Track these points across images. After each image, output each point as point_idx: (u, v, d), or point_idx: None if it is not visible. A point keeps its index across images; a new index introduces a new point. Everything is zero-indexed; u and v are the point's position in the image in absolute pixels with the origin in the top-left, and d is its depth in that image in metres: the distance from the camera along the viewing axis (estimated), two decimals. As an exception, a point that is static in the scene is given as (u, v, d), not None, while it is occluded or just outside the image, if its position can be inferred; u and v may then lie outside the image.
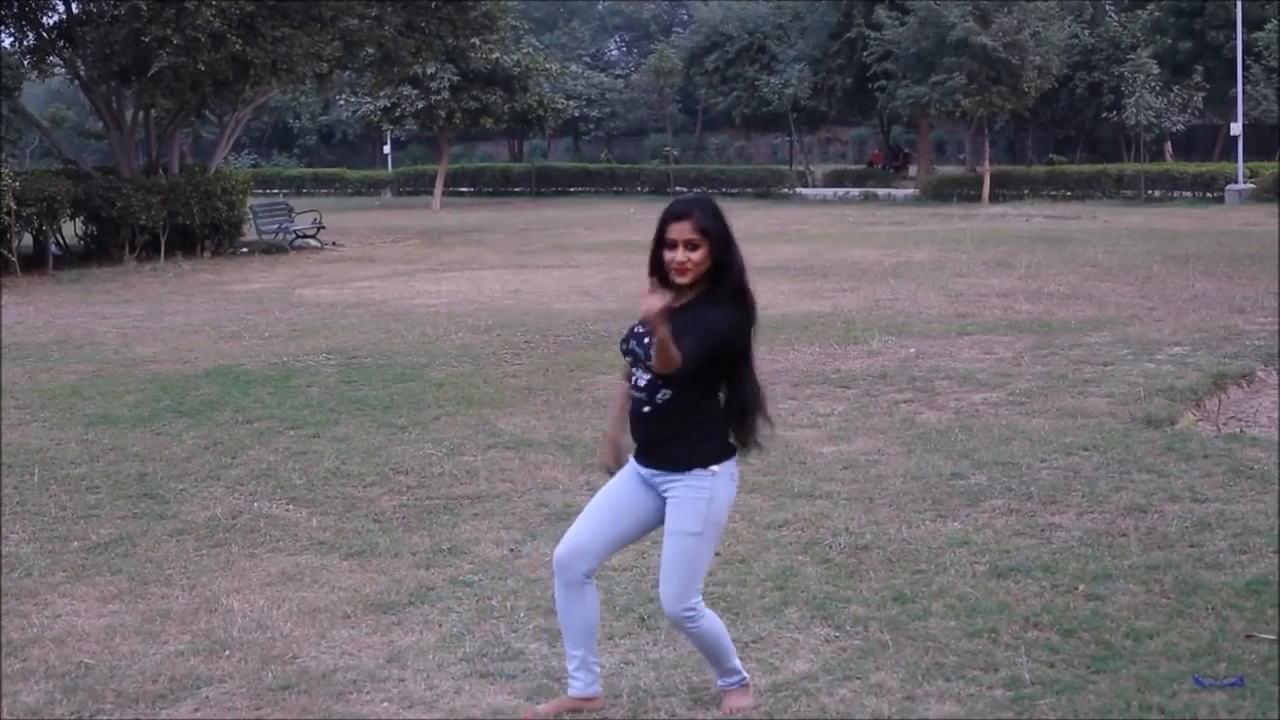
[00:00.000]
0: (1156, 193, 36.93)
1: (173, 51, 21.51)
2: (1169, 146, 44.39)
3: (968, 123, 42.21)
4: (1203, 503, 6.37)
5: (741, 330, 3.95)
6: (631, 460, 4.14)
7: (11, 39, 26.40)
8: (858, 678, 4.43)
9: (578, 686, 4.20)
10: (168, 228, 23.66)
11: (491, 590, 5.40)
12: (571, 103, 48.80)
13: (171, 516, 6.67)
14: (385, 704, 4.37)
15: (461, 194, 49.76)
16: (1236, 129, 37.19)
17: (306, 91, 40.04)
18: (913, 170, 49.83)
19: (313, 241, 26.26)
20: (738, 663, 4.26)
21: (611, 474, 4.20)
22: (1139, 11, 47.16)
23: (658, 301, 3.66)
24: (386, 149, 56.39)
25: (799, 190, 44.27)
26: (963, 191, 39.26)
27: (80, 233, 24.30)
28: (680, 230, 3.90)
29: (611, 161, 54.82)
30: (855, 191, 42.45)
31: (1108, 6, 50.37)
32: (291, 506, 6.82)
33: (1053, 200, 37.20)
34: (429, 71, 37.72)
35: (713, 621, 4.14)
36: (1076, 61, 45.20)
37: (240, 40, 22.17)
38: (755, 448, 4.14)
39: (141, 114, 25.61)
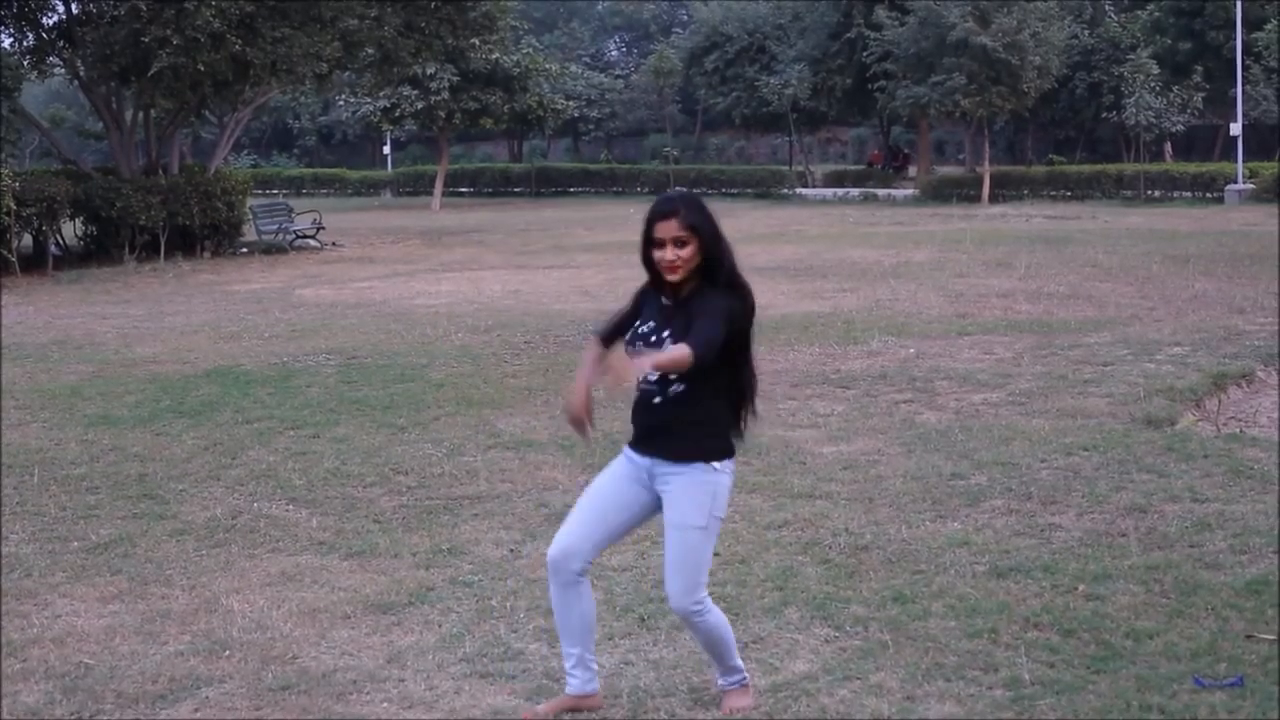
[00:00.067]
0: (1156, 193, 36.94)
1: (172, 52, 21.52)
2: (1169, 147, 44.40)
3: (967, 123, 42.23)
4: (1203, 503, 6.37)
5: (745, 313, 3.98)
6: (624, 454, 4.14)
7: (11, 39, 26.42)
8: (858, 678, 4.43)
9: (575, 684, 4.20)
10: (167, 228, 23.66)
11: (491, 590, 5.41)
12: (571, 103, 48.83)
13: (171, 517, 6.67)
14: (385, 704, 4.37)
15: (461, 194, 49.78)
16: (1236, 129, 37.21)
17: (306, 92, 40.08)
18: (912, 170, 49.86)
19: (312, 242, 26.26)
20: (739, 661, 4.27)
21: (578, 427, 4.09)
22: (1139, 12, 47.20)
23: (629, 369, 3.77)
24: (386, 149, 56.43)
25: (799, 191, 44.29)
26: (962, 192, 39.28)
27: (80, 233, 24.30)
28: (667, 229, 3.92)
29: (611, 162, 54.85)
30: (855, 192, 42.46)
31: (1108, 6, 50.42)
32: (291, 507, 6.82)
33: (1052, 200, 37.21)
34: (429, 72, 37.72)
35: (719, 616, 4.15)
36: (1076, 62, 45.23)
37: (240, 40, 22.18)
38: (745, 433, 4.15)
39: (141, 114, 25.61)
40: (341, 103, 46.28)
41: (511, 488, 7.06)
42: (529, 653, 4.76)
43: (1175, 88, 39.27)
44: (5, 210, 20.14)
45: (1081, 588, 5.21)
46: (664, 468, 4.02)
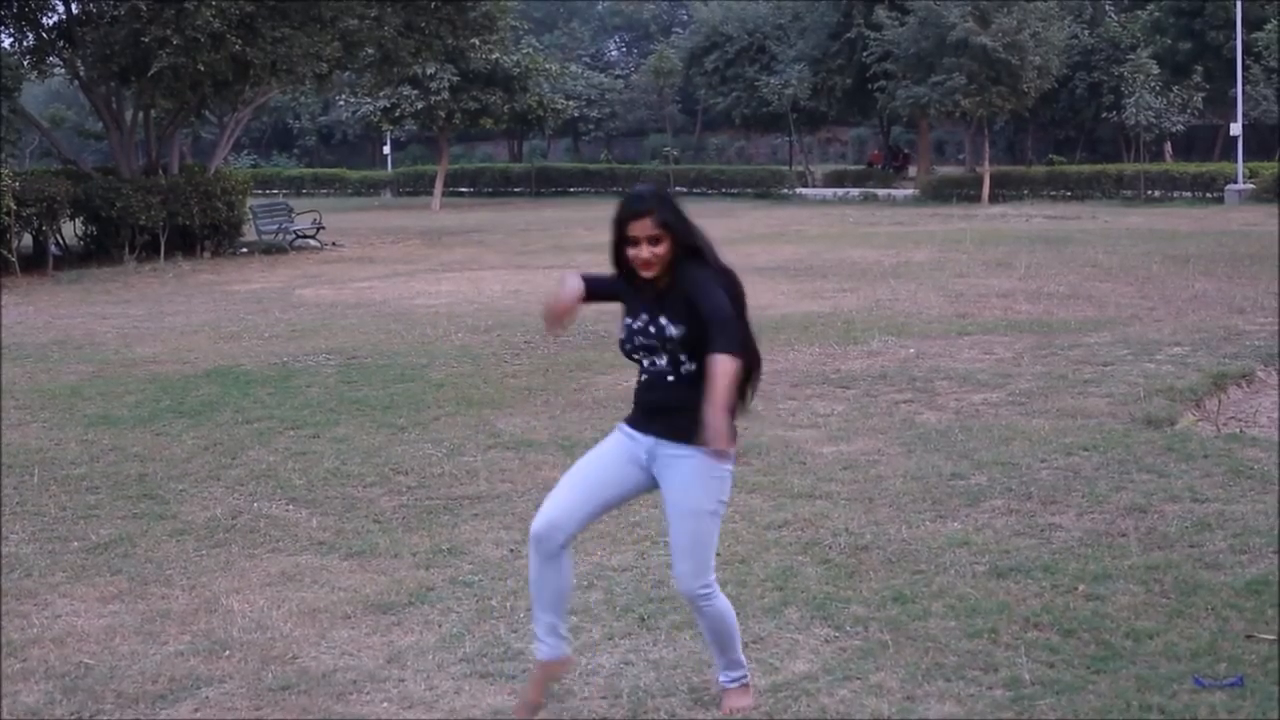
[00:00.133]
0: (1156, 193, 36.95)
1: (172, 52, 21.52)
2: (1169, 147, 44.41)
3: (967, 123, 42.23)
4: (1203, 503, 6.37)
5: (735, 293, 3.96)
6: (620, 431, 4.11)
7: (11, 39, 26.43)
8: (858, 678, 4.43)
9: (545, 650, 4.14)
10: (167, 228, 23.67)
11: (491, 590, 5.41)
12: (571, 103, 48.84)
13: (171, 517, 6.67)
14: (385, 704, 4.37)
15: (461, 194, 49.79)
16: (1236, 129, 37.21)
17: (306, 92, 40.10)
18: (912, 170, 49.88)
19: (312, 242, 26.27)
20: (742, 656, 4.26)
21: (552, 322, 4.12)
22: (1139, 12, 47.21)
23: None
24: (386, 149, 56.45)
25: (799, 191, 44.30)
26: (962, 192, 39.29)
27: (80, 233, 24.31)
28: (641, 227, 3.96)
29: (611, 162, 54.87)
30: (855, 192, 42.48)
31: (1108, 6, 50.42)
32: (291, 507, 6.82)
33: (1052, 200, 37.21)
34: (429, 72, 37.74)
35: (725, 603, 4.14)
36: (1076, 62, 45.24)
37: (240, 40, 22.18)
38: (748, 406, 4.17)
39: (141, 114, 25.62)
40: (341, 103, 46.32)
41: (511, 488, 7.06)
42: (529, 653, 4.75)
43: (1175, 88, 39.27)
44: (5, 210, 20.15)
45: (1081, 588, 5.21)
46: (669, 449, 3.98)
